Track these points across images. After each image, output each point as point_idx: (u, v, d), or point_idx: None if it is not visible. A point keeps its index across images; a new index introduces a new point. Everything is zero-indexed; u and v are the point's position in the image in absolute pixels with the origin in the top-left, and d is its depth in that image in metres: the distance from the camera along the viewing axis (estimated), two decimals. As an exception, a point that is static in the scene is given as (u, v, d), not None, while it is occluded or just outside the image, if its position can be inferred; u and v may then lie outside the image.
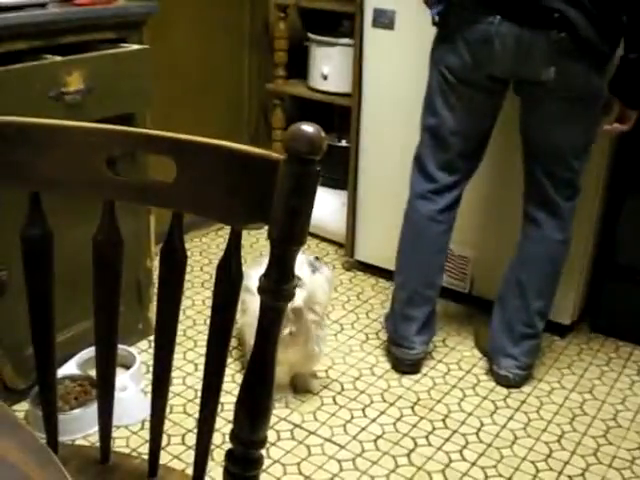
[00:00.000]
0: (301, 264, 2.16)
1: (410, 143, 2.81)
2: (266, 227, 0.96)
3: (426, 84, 2.33)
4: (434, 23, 2.22)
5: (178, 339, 1.15)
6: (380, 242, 3.04)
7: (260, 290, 0.96)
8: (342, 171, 3.11)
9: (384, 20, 2.76)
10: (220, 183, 1.00)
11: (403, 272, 2.49)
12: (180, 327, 1.15)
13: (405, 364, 2.50)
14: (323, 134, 0.88)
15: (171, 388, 1.19)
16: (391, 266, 3.01)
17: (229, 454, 1.04)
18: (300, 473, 2.04)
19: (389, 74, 2.82)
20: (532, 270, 2.39)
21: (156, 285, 1.12)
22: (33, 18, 1.98)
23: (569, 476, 2.08)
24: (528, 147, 2.31)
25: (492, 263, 2.75)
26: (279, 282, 0.95)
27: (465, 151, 2.33)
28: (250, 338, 2.34)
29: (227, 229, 1.03)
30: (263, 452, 1.06)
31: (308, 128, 0.88)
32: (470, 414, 2.31)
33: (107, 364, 1.19)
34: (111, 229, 1.10)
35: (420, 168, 2.39)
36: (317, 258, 2.30)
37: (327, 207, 3.23)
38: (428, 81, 2.32)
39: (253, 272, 2.31)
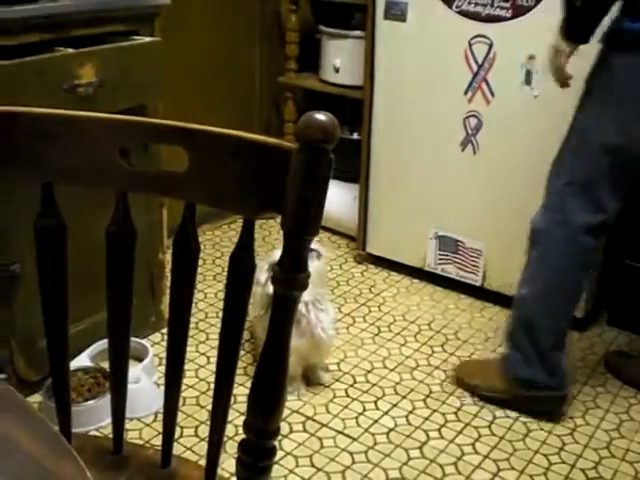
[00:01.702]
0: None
1: (422, 135, 2.82)
2: (278, 218, 0.96)
3: (590, 100, 2.06)
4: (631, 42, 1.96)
5: (190, 332, 1.15)
6: (392, 235, 3.04)
7: (273, 280, 0.96)
8: (354, 164, 3.10)
9: (396, 12, 2.76)
10: (232, 173, 1.00)
11: (555, 314, 2.20)
12: (192, 320, 1.15)
13: (557, 405, 2.27)
14: (337, 122, 0.88)
15: (183, 380, 1.19)
16: (402, 259, 3.02)
17: (242, 444, 1.04)
18: (312, 465, 2.04)
19: (401, 66, 2.81)
20: None
21: (168, 278, 1.13)
22: (45, 10, 1.98)
23: (582, 469, 2.07)
24: None
25: (505, 256, 2.74)
26: (292, 271, 0.94)
27: None
28: (261, 331, 2.34)
29: (239, 222, 1.03)
30: (275, 444, 1.06)
31: (321, 116, 0.87)
32: (482, 407, 2.30)
33: (120, 356, 1.19)
34: (124, 220, 1.10)
35: (587, 196, 2.07)
36: None
37: (339, 200, 3.22)
38: (602, 95, 2.03)
39: (264, 263, 2.32)
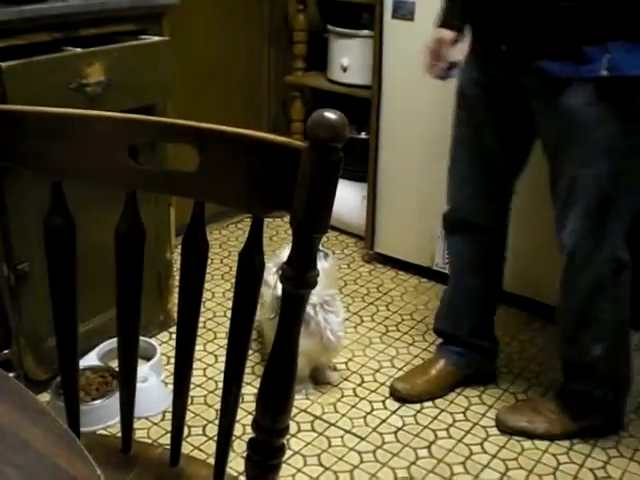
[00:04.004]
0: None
1: (430, 134, 2.81)
2: (286, 218, 0.96)
3: None
4: None
5: (198, 331, 1.15)
6: (400, 234, 3.03)
7: (282, 278, 0.96)
8: (362, 164, 3.10)
9: (404, 11, 2.75)
10: (242, 172, 1.00)
11: None
12: (200, 319, 1.15)
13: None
14: (346, 121, 0.88)
15: (191, 379, 1.19)
16: (411, 258, 3.02)
17: (251, 442, 1.04)
18: (320, 464, 2.04)
19: (409, 66, 2.80)
20: None
21: (176, 277, 1.13)
22: (54, 10, 1.98)
23: (590, 469, 2.06)
24: None
25: (514, 256, 2.72)
26: (301, 270, 0.95)
27: None
28: (269, 331, 2.34)
29: (246, 222, 1.03)
30: (284, 442, 1.06)
31: (331, 115, 0.87)
32: (491, 407, 2.30)
33: (129, 355, 1.20)
34: (133, 219, 1.10)
35: None
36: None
37: (347, 200, 3.22)
38: None
39: (272, 265, 2.32)
